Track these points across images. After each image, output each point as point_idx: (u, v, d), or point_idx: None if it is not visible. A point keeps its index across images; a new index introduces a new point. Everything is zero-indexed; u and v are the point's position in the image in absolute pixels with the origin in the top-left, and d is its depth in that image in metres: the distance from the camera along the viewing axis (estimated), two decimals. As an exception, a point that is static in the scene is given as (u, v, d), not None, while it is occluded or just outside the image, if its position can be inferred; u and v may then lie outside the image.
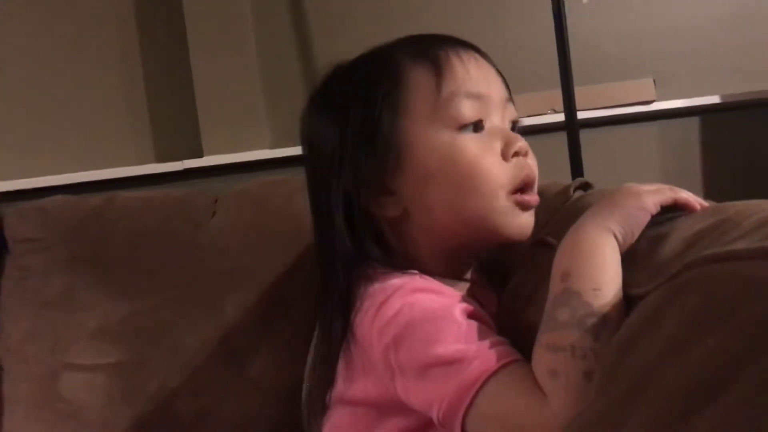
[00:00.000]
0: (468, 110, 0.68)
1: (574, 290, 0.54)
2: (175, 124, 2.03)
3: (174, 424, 1.15)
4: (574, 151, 1.59)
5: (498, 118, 0.70)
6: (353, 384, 0.68)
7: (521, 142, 0.69)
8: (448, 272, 0.71)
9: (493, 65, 0.74)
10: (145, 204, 1.30)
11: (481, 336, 0.59)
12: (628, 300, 0.51)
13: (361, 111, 0.70)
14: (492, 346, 0.58)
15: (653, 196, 0.59)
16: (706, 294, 0.37)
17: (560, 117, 1.64)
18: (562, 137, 1.62)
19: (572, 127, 1.59)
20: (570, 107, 1.58)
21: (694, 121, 2.03)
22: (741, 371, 0.30)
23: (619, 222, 0.57)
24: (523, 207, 0.69)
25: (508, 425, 0.56)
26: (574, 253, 0.58)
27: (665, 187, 0.60)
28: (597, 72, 1.95)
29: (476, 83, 0.69)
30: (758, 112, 1.99)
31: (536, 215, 0.72)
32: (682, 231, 0.51)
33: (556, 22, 1.56)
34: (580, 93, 1.60)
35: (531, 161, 0.70)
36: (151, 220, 1.28)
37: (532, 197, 0.69)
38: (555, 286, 0.57)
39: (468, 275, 0.75)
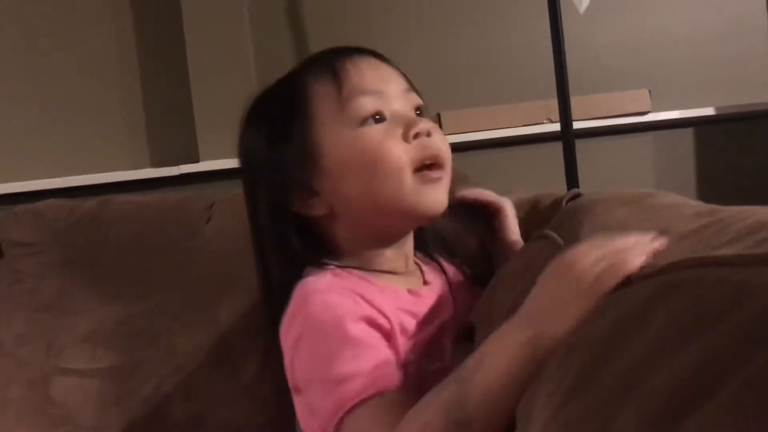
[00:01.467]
0: (366, 105, 0.75)
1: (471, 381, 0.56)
2: (172, 128, 2.03)
3: (167, 428, 1.14)
4: (570, 161, 1.60)
5: (399, 106, 0.76)
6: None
7: (423, 124, 0.74)
8: (383, 260, 0.78)
9: (392, 65, 0.80)
10: (141, 208, 1.30)
11: (367, 356, 0.65)
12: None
13: (280, 126, 0.79)
14: (374, 368, 0.65)
15: (596, 269, 0.52)
16: (696, 297, 0.37)
17: (556, 126, 1.65)
18: (557, 147, 1.62)
19: (568, 136, 1.59)
20: (566, 117, 1.59)
21: (689, 133, 2.04)
22: (730, 375, 0.31)
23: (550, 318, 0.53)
24: (428, 182, 0.73)
25: None
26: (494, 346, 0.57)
27: (610, 251, 0.53)
28: (593, 82, 1.96)
29: (370, 81, 0.76)
30: (752, 124, 2.01)
31: (529, 225, 0.74)
32: (677, 228, 0.51)
33: (552, 32, 1.57)
34: (575, 103, 1.61)
35: (437, 139, 0.75)
36: (146, 224, 1.28)
37: (435, 173, 0.74)
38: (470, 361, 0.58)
39: (406, 262, 0.81)
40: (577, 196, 0.83)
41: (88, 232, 1.28)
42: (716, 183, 2.01)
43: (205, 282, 1.20)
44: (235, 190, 1.31)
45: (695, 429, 0.30)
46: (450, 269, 0.88)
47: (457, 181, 1.22)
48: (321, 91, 0.77)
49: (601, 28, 2.00)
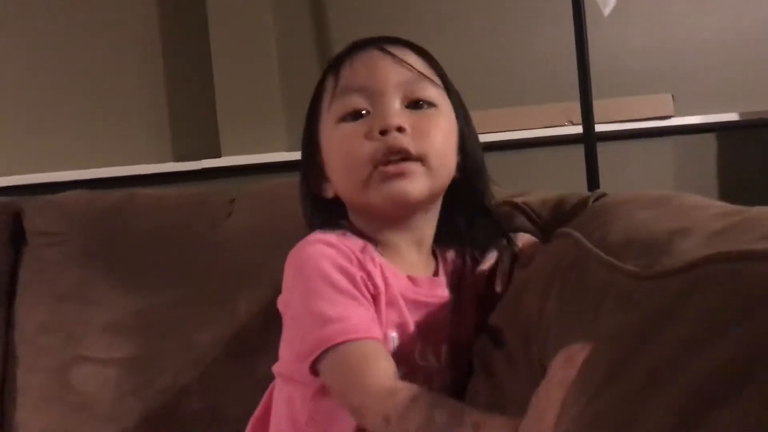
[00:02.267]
0: (348, 102, 0.78)
1: None
2: (195, 124, 2.04)
3: (183, 419, 1.15)
4: (591, 164, 1.59)
5: (386, 103, 0.77)
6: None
7: (387, 120, 0.76)
8: (388, 241, 0.81)
9: (403, 53, 0.81)
10: (163, 202, 1.31)
11: (355, 307, 0.71)
12: (639, 277, 0.50)
13: (309, 114, 0.86)
14: (360, 318, 0.70)
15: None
16: (727, 291, 0.37)
17: (578, 129, 1.65)
18: (578, 150, 1.62)
19: (589, 139, 1.59)
20: (588, 120, 1.58)
21: (712, 138, 2.02)
22: (760, 370, 0.31)
23: None
24: (386, 178, 0.75)
25: (340, 383, 0.69)
26: None
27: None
28: (615, 85, 1.95)
29: (359, 77, 0.79)
30: (777, 131, 1.99)
31: (554, 224, 0.74)
32: (703, 227, 0.50)
33: (576, 34, 1.56)
34: (598, 106, 1.60)
35: (399, 135, 0.76)
36: (167, 217, 1.29)
37: (394, 167, 0.75)
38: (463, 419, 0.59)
39: (416, 247, 0.83)
40: (603, 196, 0.82)
41: (110, 224, 1.29)
42: (739, 189, 1.99)
43: (225, 276, 1.21)
44: (256, 185, 1.33)
45: (724, 423, 0.30)
46: (469, 269, 0.88)
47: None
48: (327, 87, 0.83)
49: (624, 31, 1.99)
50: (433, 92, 0.81)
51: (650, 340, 0.41)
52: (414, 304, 0.79)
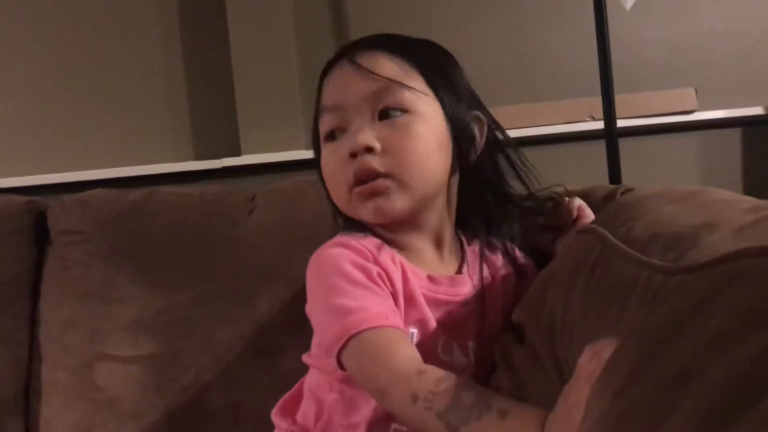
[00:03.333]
0: (325, 123, 0.81)
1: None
2: (215, 123, 2.05)
3: (205, 416, 1.16)
4: (613, 160, 1.57)
5: (359, 119, 0.78)
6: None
7: (354, 142, 0.77)
8: (407, 241, 0.83)
9: (363, 67, 0.79)
10: (184, 200, 1.32)
11: (371, 298, 0.72)
12: (667, 271, 0.50)
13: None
14: (381, 308, 0.72)
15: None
16: (759, 287, 0.37)
17: (599, 125, 1.63)
18: (600, 145, 1.60)
19: (611, 135, 1.57)
20: (609, 115, 1.56)
21: (736, 133, 1.99)
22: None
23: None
24: (361, 198, 0.78)
25: (366, 372, 0.70)
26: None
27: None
28: (638, 80, 1.93)
29: (332, 95, 0.81)
30: (803, 125, 1.96)
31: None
32: (731, 221, 0.50)
33: (597, 29, 1.55)
34: (619, 101, 1.58)
35: (371, 156, 0.77)
36: (189, 215, 1.29)
37: (361, 188, 0.78)
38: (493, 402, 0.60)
39: (435, 246, 0.84)
40: (630, 190, 0.81)
41: (133, 222, 1.30)
42: (765, 184, 1.96)
43: (246, 274, 1.21)
44: (276, 183, 1.33)
45: (756, 422, 0.30)
46: (497, 263, 0.87)
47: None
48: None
49: (646, 24, 1.96)
50: (406, 96, 0.78)
51: (679, 337, 0.40)
52: (434, 302, 0.79)
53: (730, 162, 2.00)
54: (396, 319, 0.72)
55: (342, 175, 0.78)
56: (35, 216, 1.36)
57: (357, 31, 2.02)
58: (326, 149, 0.81)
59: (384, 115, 0.78)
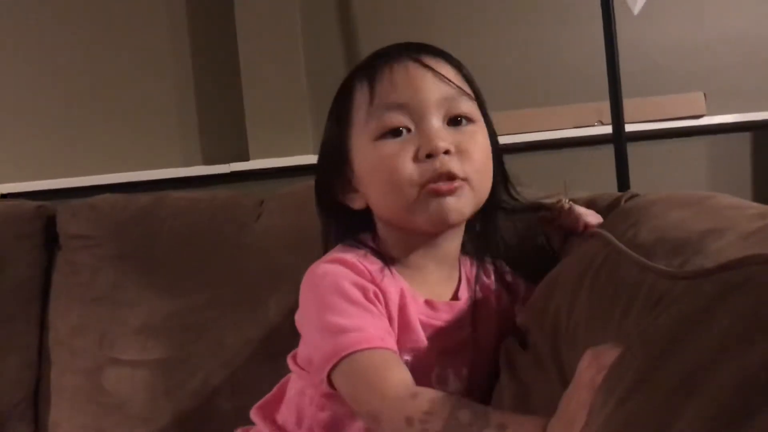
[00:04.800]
0: (387, 120, 0.77)
1: None
2: (223, 128, 2.06)
3: (214, 420, 1.16)
4: (621, 165, 1.57)
5: (431, 117, 0.77)
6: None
7: (436, 143, 0.75)
8: (413, 257, 0.82)
9: (441, 65, 0.80)
10: (193, 204, 1.33)
11: (370, 319, 0.72)
12: (672, 276, 0.50)
13: (334, 123, 0.84)
14: (374, 329, 0.71)
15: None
16: (763, 294, 0.36)
17: (607, 129, 1.63)
18: (608, 150, 1.60)
19: (620, 139, 1.57)
20: (618, 120, 1.56)
21: (746, 137, 1.99)
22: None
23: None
24: (434, 194, 0.75)
25: (358, 394, 0.69)
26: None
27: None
28: (646, 84, 1.92)
29: (400, 94, 0.77)
30: (813, 130, 1.94)
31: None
32: (738, 227, 0.49)
33: (606, 33, 1.54)
34: (628, 105, 1.58)
35: (452, 158, 0.76)
36: (198, 220, 1.30)
37: (445, 185, 0.75)
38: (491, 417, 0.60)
39: (431, 264, 0.83)
40: (635, 196, 0.81)
41: (141, 227, 1.31)
42: (774, 189, 1.95)
43: (255, 278, 1.21)
44: (285, 188, 1.34)
45: (762, 428, 0.30)
46: (491, 285, 0.87)
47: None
48: (359, 99, 0.80)
49: (655, 29, 1.96)
50: (471, 107, 0.80)
51: (684, 343, 0.40)
52: (431, 328, 0.79)
53: (740, 167, 1.99)
54: (391, 341, 0.72)
55: (412, 175, 0.75)
56: (45, 220, 1.37)
57: (365, 36, 2.02)
58: (383, 146, 0.77)
59: (453, 121, 0.78)
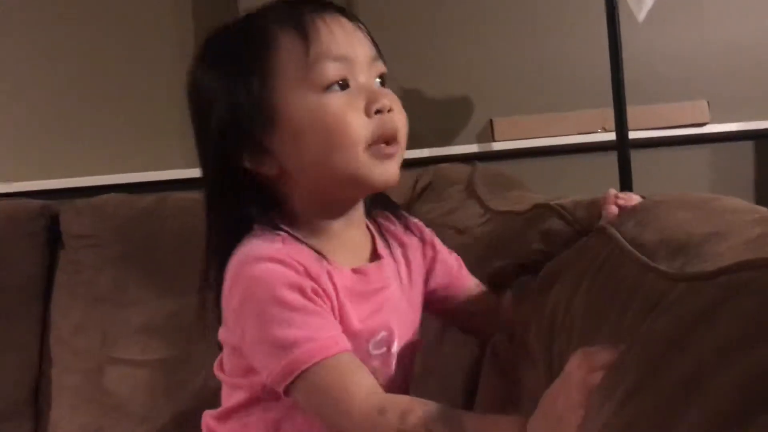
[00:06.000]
0: (332, 71, 0.72)
1: None
2: (227, 130, 2.06)
3: (214, 421, 1.16)
4: (625, 172, 1.57)
5: (364, 77, 0.74)
6: (224, 327, 0.78)
7: (384, 100, 0.72)
8: (331, 231, 0.76)
9: (361, 26, 0.77)
10: (195, 204, 1.31)
11: (316, 322, 0.67)
12: (672, 278, 0.49)
13: (235, 74, 0.74)
14: (323, 333, 0.66)
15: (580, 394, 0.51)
16: (764, 298, 0.37)
17: (611, 136, 1.63)
18: (611, 157, 1.60)
19: (623, 146, 1.57)
20: (621, 127, 1.56)
21: (749, 146, 1.98)
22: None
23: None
24: (382, 157, 0.72)
25: (320, 410, 0.67)
26: None
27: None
28: (650, 92, 1.92)
29: (340, 45, 0.73)
30: (817, 139, 1.95)
31: (589, 226, 0.73)
32: (741, 231, 0.50)
33: (610, 40, 1.55)
34: (631, 112, 1.58)
35: (397, 116, 0.73)
36: (200, 220, 1.28)
37: (390, 148, 0.72)
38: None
39: (350, 228, 0.78)
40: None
41: (144, 227, 1.31)
42: (777, 198, 1.95)
43: (256, 279, 1.21)
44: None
45: (763, 430, 0.30)
46: (398, 233, 0.84)
47: (511, 187, 1.21)
48: (287, 45, 0.73)
49: (659, 36, 1.96)
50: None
51: (684, 346, 0.40)
52: (363, 296, 0.75)
53: (743, 175, 1.99)
54: (343, 340, 0.68)
55: (364, 129, 0.71)
56: (48, 219, 1.37)
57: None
58: (332, 98, 0.71)
59: (381, 82, 0.76)
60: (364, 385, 0.65)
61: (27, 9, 2.01)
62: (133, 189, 1.66)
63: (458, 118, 1.90)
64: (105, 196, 1.40)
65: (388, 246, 0.82)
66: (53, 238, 1.37)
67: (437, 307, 0.86)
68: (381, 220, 0.84)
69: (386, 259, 0.80)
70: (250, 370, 0.73)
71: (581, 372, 0.49)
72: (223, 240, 0.76)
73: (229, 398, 0.80)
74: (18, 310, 1.30)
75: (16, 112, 1.99)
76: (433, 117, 1.88)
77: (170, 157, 2.01)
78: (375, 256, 0.80)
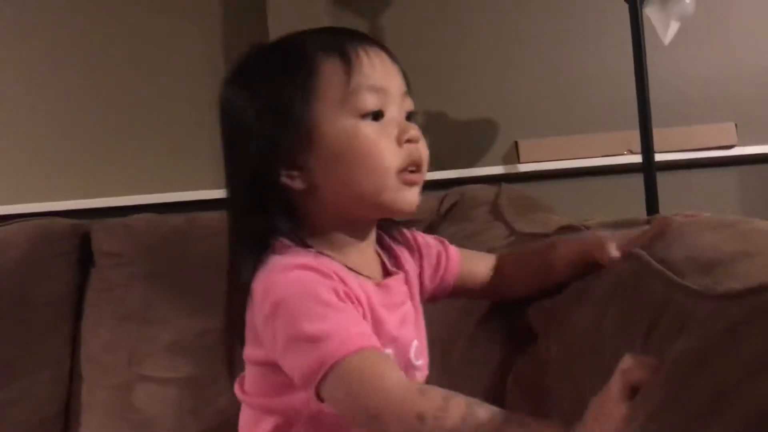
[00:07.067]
0: (370, 101, 0.76)
1: None
2: (254, 151, 2.09)
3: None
4: (651, 194, 1.56)
5: (396, 109, 0.78)
6: (251, 345, 0.77)
7: (413, 131, 0.77)
8: (351, 248, 0.79)
9: (396, 62, 0.81)
10: (223, 225, 1.33)
11: (346, 318, 0.68)
12: (700, 296, 0.50)
13: (277, 90, 0.77)
14: (354, 328, 0.67)
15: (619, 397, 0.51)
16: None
17: (637, 158, 1.62)
18: (638, 179, 1.59)
19: (649, 169, 1.56)
20: (647, 149, 1.56)
21: (778, 169, 1.97)
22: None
23: None
24: (408, 184, 0.76)
25: (355, 398, 0.65)
26: None
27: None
28: (676, 114, 1.91)
29: (379, 78, 0.78)
30: None
31: None
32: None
33: (636, 62, 1.55)
34: (658, 135, 1.58)
35: (422, 147, 0.78)
36: (227, 240, 1.32)
37: (416, 176, 0.77)
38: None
39: (368, 246, 0.82)
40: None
41: (173, 246, 1.33)
42: (807, 221, 1.92)
43: (283, 298, 1.22)
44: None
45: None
46: (404, 254, 0.88)
47: (537, 209, 1.22)
48: (330, 70, 0.76)
49: (685, 58, 1.96)
50: None
51: (711, 364, 0.40)
52: (390, 308, 0.78)
53: (772, 198, 1.97)
54: (375, 338, 0.68)
55: (395, 158, 0.75)
56: (80, 238, 1.40)
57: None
58: (366, 126, 0.75)
59: (409, 117, 0.80)
60: (397, 374, 0.65)
61: (62, 33, 2.06)
62: (163, 209, 1.68)
63: (484, 140, 1.91)
64: (135, 216, 1.42)
65: (395, 263, 0.85)
66: (84, 257, 1.39)
67: (458, 293, 0.92)
68: (381, 235, 0.87)
69: (399, 274, 0.83)
70: (285, 387, 0.72)
71: (617, 386, 0.49)
72: (249, 253, 0.77)
73: (257, 425, 0.79)
74: (50, 328, 1.32)
75: (50, 133, 2.04)
76: (459, 139, 1.89)
77: (200, 178, 2.03)
78: (386, 272, 0.83)
